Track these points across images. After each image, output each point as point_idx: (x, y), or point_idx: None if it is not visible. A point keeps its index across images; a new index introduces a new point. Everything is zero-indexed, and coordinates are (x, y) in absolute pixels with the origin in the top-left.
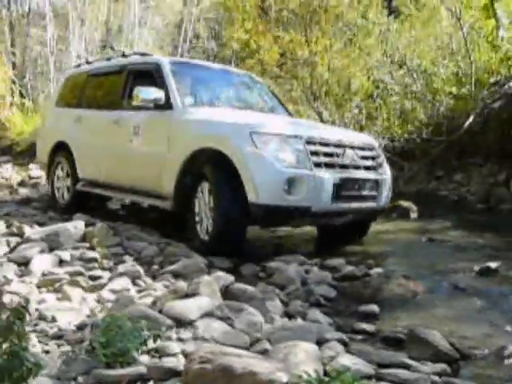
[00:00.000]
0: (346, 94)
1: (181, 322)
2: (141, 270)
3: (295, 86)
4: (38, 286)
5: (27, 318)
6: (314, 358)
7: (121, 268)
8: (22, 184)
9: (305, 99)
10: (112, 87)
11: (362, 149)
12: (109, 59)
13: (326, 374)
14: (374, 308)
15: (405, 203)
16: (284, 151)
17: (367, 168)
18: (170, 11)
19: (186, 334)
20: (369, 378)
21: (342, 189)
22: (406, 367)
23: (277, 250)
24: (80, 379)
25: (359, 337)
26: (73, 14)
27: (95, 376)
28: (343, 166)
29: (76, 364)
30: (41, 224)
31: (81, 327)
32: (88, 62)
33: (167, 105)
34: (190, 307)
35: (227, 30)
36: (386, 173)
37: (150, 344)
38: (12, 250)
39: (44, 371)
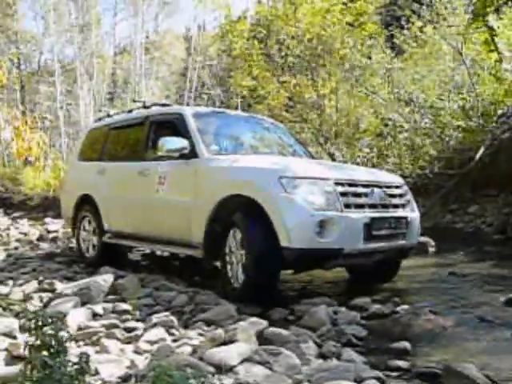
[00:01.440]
0: (355, 134)
1: (222, 369)
2: (174, 319)
3: (305, 128)
4: (76, 340)
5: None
6: None
7: (154, 318)
8: (41, 239)
9: (315, 141)
10: (135, 138)
11: (389, 187)
12: (130, 111)
13: None
14: (406, 344)
15: (422, 238)
16: (314, 194)
17: (395, 206)
18: (174, 60)
19: (227, 379)
20: None
21: (372, 228)
22: None
23: (301, 292)
24: None
25: (394, 374)
26: (80, 69)
27: None
28: (372, 206)
29: None
30: (68, 278)
31: (125, 379)
32: (109, 116)
33: (192, 153)
34: (229, 353)
35: (234, 77)
36: (414, 209)
37: None
38: (45, 306)
39: None
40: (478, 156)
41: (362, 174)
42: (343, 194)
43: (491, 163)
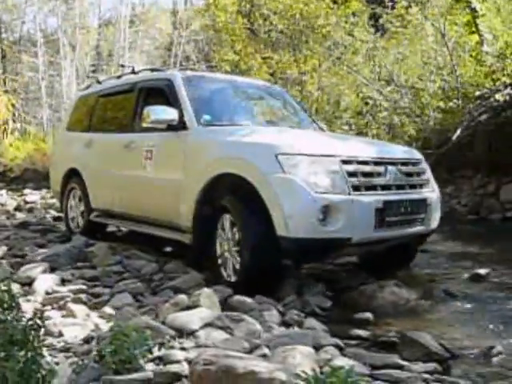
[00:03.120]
0: (336, 112)
1: (183, 333)
2: (141, 286)
3: None
4: (43, 304)
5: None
6: (311, 361)
7: (122, 285)
8: (18, 209)
9: None
10: (122, 108)
11: (406, 164)
12: (119, 77)
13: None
14: (368, 315)
15: None
16: (316, 174)
17: (413, 186)
18: (159, 34)
19: (188, 343)
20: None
21: (385, 214)
22: (399, 367)
23: None
24: None
25: (354, 342)
26: (63, 40)
27: (105, 382)
28: (386, 187)
29: (86, 372)
30: (41, 246)
31: (87, 340)
32: (99, 82)
33: (181, 124)
34: (191, 318)
35: (217, 52)
36: (435, 189)
37: (155, 352)
38: (15, 272)
39: (55, 380)
40: (454, 137)
41: (374, 148)
42: (351, 174)
43: (468, 144)
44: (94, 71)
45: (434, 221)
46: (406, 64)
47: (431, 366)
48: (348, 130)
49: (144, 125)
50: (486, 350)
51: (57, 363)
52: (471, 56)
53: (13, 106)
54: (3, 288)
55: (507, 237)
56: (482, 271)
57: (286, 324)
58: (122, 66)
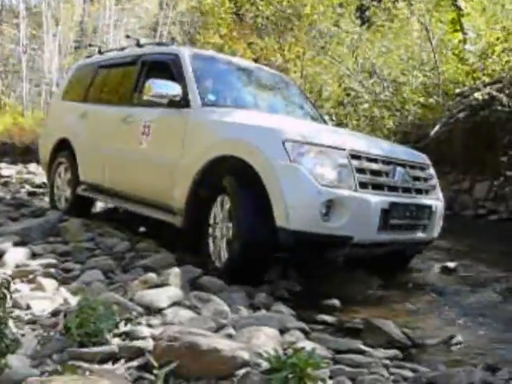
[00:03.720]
0: (317, 101)
1: (150, 310)
2: (112, 263)
3: None
4: (12, 277)
5: (8, 298)
6: (275, 342)
7: (93, 262)
8: None
9: None
10: (122, 80)
11: (414, 167)
12: (122, 49)
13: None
14: (335, 302)
15: None
16: (324, 166)
17: (419, 191)
18: (145, 14)
19: (155, 320)
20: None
21: (390, 216)
22: (361, 353)
23: None
24: (55, 357)
25: (319, 327)
26: (47, 13)
27: (70, 354)
28: (392, 188)
29: (51, 344)
30: (14, 219)
31: (54, 313)
32: (100, 52)
33: (184, 102)
34: (159, 296)
35: (202, 35)
36: (439, 197)
37: (121, 328)
38: None
39: (20, 351)
40: (432, 132)
41: (383, 147)
42: (359, 170)
43: (446, 141)
44: (77, 47)
45: (436, 229)
46: (390, 57)
47: (392, 352)
48: (329, 120)
49: (145, 98)
50: (447, 339)
51: (23, 335)
52: (454, 54)
53: None
54: None
55: (477, 233)
56: (452, 264)
57: (253, 307)
58: (128, 36)
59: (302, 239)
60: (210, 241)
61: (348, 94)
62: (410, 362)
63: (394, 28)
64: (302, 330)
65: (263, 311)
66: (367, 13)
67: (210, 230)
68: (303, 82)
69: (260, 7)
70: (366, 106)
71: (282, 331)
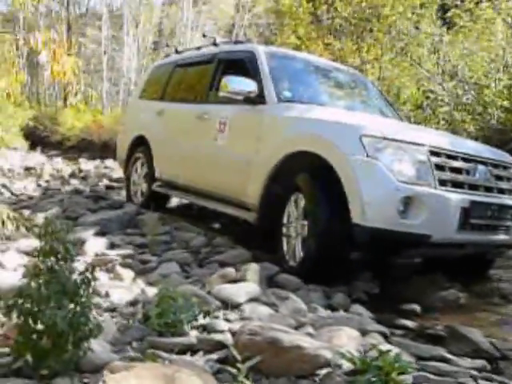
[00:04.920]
0: (395, 103)
1: (228, 305)
2: (188, 257)
3: None
4: (92, 265)
5: (92, 283)
6: (357, 343)
7: (169, 254)
8: (72, 176)
9: None
10: (199, 79)
11: (497, 166)
12: (199, 48)
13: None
14: (416, 307)
15: None
16: (402, 162)
17: (501, 191)
18: (221, 16)
19: (232, 315)
20: None
21: (470, 215)
22: (446, 361)
23: None
24: (134, 344)
25: (400, 331)
26: (127, 16)
27: (149, 342)
28: (473, 187)
29: (130, 332)
30: (93, 211)
31: (133, 303)
32: (177, 52)
33: (260, 98)
34: (237, 291)
35: (279, 36)
36: None
37: (200, 320)
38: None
39: (101, 336)
40: None
41: (464, 144)
42: (439, 167)
43: None
44: (155, 49)
45: None
46: (472, 60)
47: (480, 363)
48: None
49: (221, 94)
50: None
51: (102, 321)
52: None
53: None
54: (59, 240)
55: None
56: None
57: (331, 307)
58: (204, 35)
59: (379, 237)
60: (284, 240)
61: (427, 97)
62: (500, 374)
63: (476, 29)
64: (382, 334)
65: (342, 312)
66: (449, 13)
67: (284, 230)
68: (381, 84)
69: (338, 8)
70: (446, 109)
71: (362, 333)
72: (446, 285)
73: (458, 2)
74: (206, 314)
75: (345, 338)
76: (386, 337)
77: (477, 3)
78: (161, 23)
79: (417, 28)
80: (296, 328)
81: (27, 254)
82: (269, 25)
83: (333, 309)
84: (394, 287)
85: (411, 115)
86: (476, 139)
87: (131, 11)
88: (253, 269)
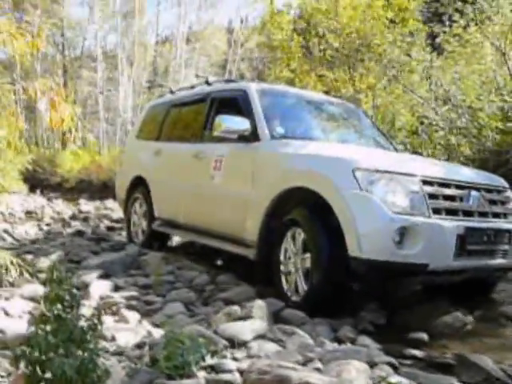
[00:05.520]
0: (390, 130)
1: (234, 343)
2: (193, 296)
3: None
4: (97, 309)
5: (99, 329)
6: (366, 376)
7: (174, 294)
8: (73, 218)
9: None
10: (193, 118)
11: (490, 191)
12: (192, 88)
13: None
14: (423, 335)
15: None
16: (395, 193)
17: (496, 215)
18: (214, 52)
19: (240, 353)
20: None
21: (466, 241)
22: None
23: None
24: None
25: (408, 362)
26: (122, 56)
27: None
28: (468, 213)
29: (139, 376)
30: (95, 253)
31: (139, 345)
32: (171, 92)
33: (253, 136)
34: (243, 329)
35: (272, 70)
36: None
37: (208, 361)
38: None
39: (109, 382)
40: None
41: (456, 171)
42: (432, 196)
43: None
44: (150, 87)
45: None
46: (464, 83)
47: None
48: (403, 150)
49: (215, 134)
50: None
51: (110, 366)
52: None
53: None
54: (65, 287)
55: None
56: None
57: (338, 340)
58: (197, 76)
59: (376, 268)
60: (283, 278)
61: (422, 123)
62: None
63: (466, 53)
64: (391, 365)
65: (349, 345)
66: (438, 39)
67: (282, 267)
68: (375, 112)
69: (329, 40)
70: (441, 133)
71: (370, 365)
72: (450, 310)
73: (447, 29)
74: (214, 353)
75: (354, 372)
76: (394, 368)
77: (464, 27)
78: (155, 62)
79: (408, 55)
80: (304, 364)
81: (32, 300)
82: (262, 58)
83: (340, 341)
84: (400, 316)
85: (407, 142)
86: (473, 162)
87: (125, 51)
88: (258, 305)
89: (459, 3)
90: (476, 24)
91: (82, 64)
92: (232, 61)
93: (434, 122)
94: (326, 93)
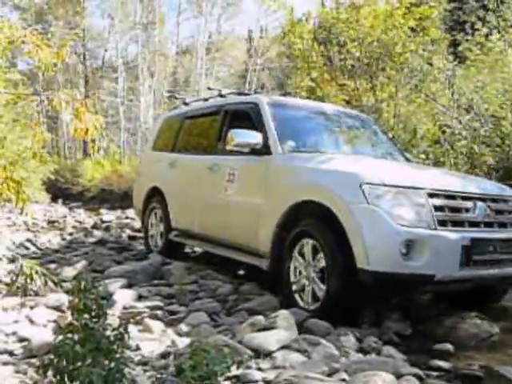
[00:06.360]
0: (412, 140)
1: (259, 353)
2: (216, 306)
3: None
4: (121, 319)
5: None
6: None
7: (197, 304)
8: (95, 227)
9: None
10: (207, 130)
11: (496, 201)
12: (206, 100)
13: None
14: (449, 346)
15: None
16: (401, 206)
17: (503, 225)
18: (234, 62)
19: (265, 364)
20: None
21: (472, 252)
22: None
23: None
24: None
25: (434, 373)
26: (143, 66)
27: None
28: (473, 224)
29: None
30: (117, 262)
31: (164, 355)
32: (185, 104)
33: (265, 149)
34: (268, 339)
35: (293, 79)
36: None
37: (233, 371)
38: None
39: None
40: None
41: (462, 182)
42: (438, 208)
43: None
44: (170, 97)
45: None
46: (487, 92)
47: None
48: (425, 159)
49: (228, 148)
50: None
51: (136, 376)
52: None
53: (100, 126)
54: (92, 297)
55: None
56: None
57: (363, 351)
58: (209, 88)
59: (384, 280)
60: (292, 280)
61: (444, 132)
62: None
63: (488, 61)
64: (418, 376)
65: (374, 355)
66: (460, 48)
67: (292, 277)
68: (397, 121)
69: (350, 49)
70: (463, 142)
71: (397, 377)
72: (476, 321)
73: (469, 37)
74: (239, 364)
75: (380, 383)
76: (421, 379)
77: (486, 36)
78: (175, 72)
79: (429, 64)
80: (329, 375)
81: (56, 309)
82: (282, 68)
83: (365, 352)
84: (425, 327)
85: (429, 151)
86: (496, 171)
87: (146, 62)
88: (282, 315)
89: (482, 11)
90: (499, 32)
91: (103, 74)
92: (252, 70)
93: (457, 131)
94: (347, 102)
